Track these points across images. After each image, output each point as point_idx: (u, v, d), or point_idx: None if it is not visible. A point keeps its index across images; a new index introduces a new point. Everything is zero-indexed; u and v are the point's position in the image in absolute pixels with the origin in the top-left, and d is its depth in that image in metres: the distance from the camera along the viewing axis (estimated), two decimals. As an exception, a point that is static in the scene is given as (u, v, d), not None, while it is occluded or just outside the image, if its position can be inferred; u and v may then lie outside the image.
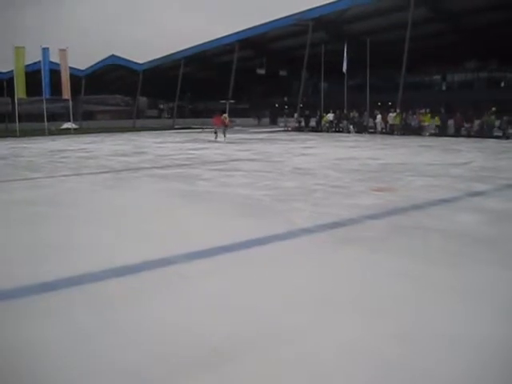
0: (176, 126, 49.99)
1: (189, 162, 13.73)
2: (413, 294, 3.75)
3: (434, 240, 5.30)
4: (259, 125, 52.20)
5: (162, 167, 12.65)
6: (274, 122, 53.83)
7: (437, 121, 32.15)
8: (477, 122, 31.26)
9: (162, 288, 3.92)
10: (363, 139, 27.05)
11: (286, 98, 57.35)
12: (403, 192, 8.44)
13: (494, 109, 28.99)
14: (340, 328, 3.18)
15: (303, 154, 16.48)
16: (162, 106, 76.88)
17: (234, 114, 51.43)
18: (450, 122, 32.29)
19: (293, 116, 45.33)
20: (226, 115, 28.21)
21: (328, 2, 38.83)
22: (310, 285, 3.94)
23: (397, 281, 4.02)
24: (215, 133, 26.73)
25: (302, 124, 41.44)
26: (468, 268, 4.34)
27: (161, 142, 24.12)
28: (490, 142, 23.83)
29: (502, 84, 42.51)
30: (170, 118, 62.23)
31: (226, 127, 26.70)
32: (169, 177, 10.78)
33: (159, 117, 71.32)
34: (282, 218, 6.36)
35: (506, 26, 36.30)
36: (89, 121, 58.59)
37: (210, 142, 24.45)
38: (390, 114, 33.79)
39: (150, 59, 58.78)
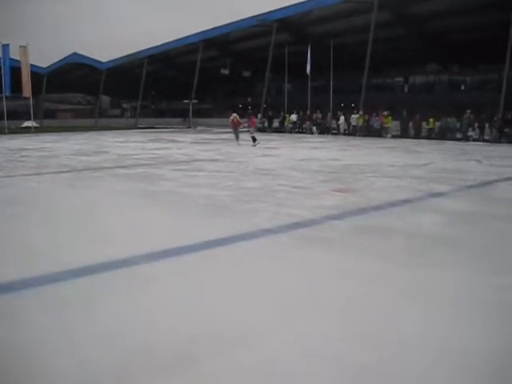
0: (139, 126, 49.53)
1: (152, 162, 13.63)
2: (373, 294, 3.78)
3: (395, 241, 5.36)
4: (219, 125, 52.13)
5: (124, 167, 12.52)
6: (237, 123, 53.81)
7: (389, 122, 32.67)
8: (437, 124, 31.78)
9: (121, 289, 3.87)
10: (326, 140, 27.24)
11: (249, 99, 57.36)
12: (365, 193, 8.51)
13: (468, 111, 29.36)
14: (301, 331, 3.18)
15: (266, 155, 16.50)
16: (124, 106, 76.19)
17: (198, 114, 51.32)
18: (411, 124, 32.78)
19: (257, 117, 45.38)
20: (235, 114, 24.38)
21: (292, 3, 38.98)
22: (271, 286, 3.94)
23: (357, 282, 4.05)
24: (237, 137, 23.17)
25: (266, 125, 41.46)
26: (428, 269, 4.39)
27: (123, 142, 23.88)
28: (450, 144, 24.23)
29: (462, 87, 43.23)
30: (132, 117, 61.66)
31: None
32: (131, 176, 10.67)
33: (122, 116, 70.63)
34: (244, 219, 6.36)
35: (466, 30, 36.96)
36: (50, 119, 57.71)
37: (235, 146, 21.31)
38: (353, 116, 34.12)
39: (113, 58, 58.23)
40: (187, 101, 49.65)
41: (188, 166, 12.85)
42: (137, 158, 14.83)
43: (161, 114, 64.67)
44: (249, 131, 23.95)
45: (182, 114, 52.74)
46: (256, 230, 5.66)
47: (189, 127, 46.50)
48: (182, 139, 26.24)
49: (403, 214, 6.79)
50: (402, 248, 5.11)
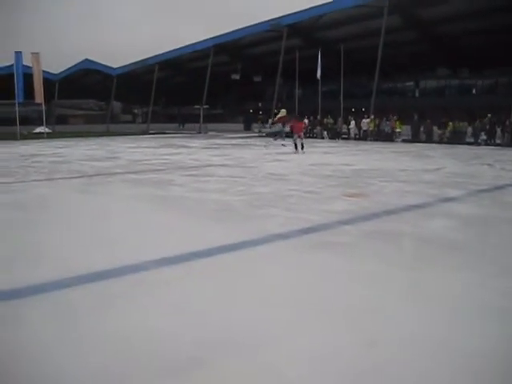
0: (150, 131, 49.69)
1: (163, 168, 13.68)
2: (386, 299, 3.78)
3: (407, 245, 5.37)
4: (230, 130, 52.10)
5: (135, 172, 12.58)
6: (248, 128, 53.84)
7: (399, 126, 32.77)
8: (449, 129, 31.68)
9: (133, 294, 3.90)
10: (337, 145, 27.21)
11: (260, 104, 57.44)
12: (376, 197, 8.52)
13: (489, 115, 29.19)
14: (314, 335, 3.20)
15: (277, 160, 16.53)
16: (136, 111, 76.46)
17: (208, 119, 51.45)
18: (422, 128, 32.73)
19: (267, 122, 45.41)
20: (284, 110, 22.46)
21: (302, 8, 39.03)
22: (284, 290, 3.96)
23: (370, 286, 4.05)
24: (295, 144, 20.12)
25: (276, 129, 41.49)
26: (440, 273, 4.40)
27: (135, 147, 23.97)
28: (462, 149, 24.14)
29: (473, 91, 43.11)
30: (144, 123, 61.85)
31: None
32: (143, 182, 10.72)
33: (133, 122, 70.87)
34: (256, 224, 6.39)
35: (476, 35, 36.87)
36: (62, 125, 58.01)
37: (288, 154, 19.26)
38: (364, 120, 34.08)
39: (124, 64, 58.54)
40: (198, 106, 49.72)
41: (199, 171, 12.89)
42: (148, 164, 14.90)
43: (172, 119, 64.77)
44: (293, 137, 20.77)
45: (194, 119, 52.77)
46: (268, 235, 5.68)
47: (199, 132, 46.56)
48: (193, 144, 26.29)
49: (415, 219, 6.79)
50: (414, 253, 5.12)
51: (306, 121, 27.86)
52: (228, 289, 4.02)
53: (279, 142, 21.39)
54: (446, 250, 5.17)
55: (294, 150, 19.67)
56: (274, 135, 21.10)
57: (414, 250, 5.19)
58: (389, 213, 7.16)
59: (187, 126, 54.56)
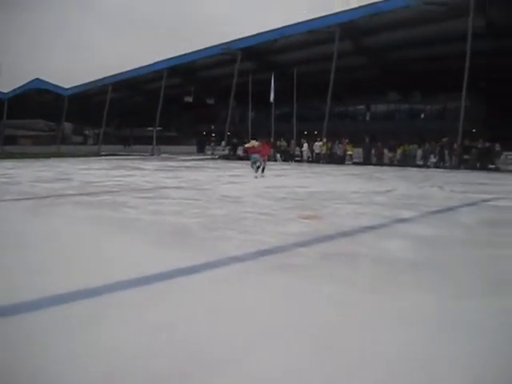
0: (102, 153, 49.16)
1: (116, 189, 13.49)
2: (344, 320, 3.78)
3: (365, 267, 5.40)
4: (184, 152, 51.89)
5: (88, 194, 12.38)
6: (201, 150, 53.86)
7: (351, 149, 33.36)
8: (399, 152, 32.38)
9: (84, 321, 3.78)
10: (290, 167, 27.42)
11: (213, 126, 57.61)
12: (331, 219, 8.59)
13: (445, 139, 29.93)
14: (274, 359, 3.16)
15: (231, 182, 16.54)
16: (87, 133, 75.71)
17: (162, 141, 51.25)
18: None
19: (220, 144, 45.54)
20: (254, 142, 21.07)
21: (257, 32, 39.48)
22: (243, 313, 3.91)
23: (327, 307, 4.05)
24: (257, 167, 19.64)
25: (229, 152, 41.64)
26: (400, 294, 4.43)
27: (86, 169, 23.64)
28: (412, 171, 24.63)
29: (422, 115, 44.17)
30: (95, 144, 61.20)
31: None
32: (96, 204, 10.54)
33: (84, 143, 70.11)
34: (212, 246, 6.33)
35: (426, 61, 37.95)
36: (11, 146, 56.91)
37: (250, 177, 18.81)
38: (317, 143, 34.54)
39: (76, 84, 57.99)
40: (151, 128, 49.54)
41: (153, 193, 12.76)
42: (101, 185, 14.68)
43: (124, 140, 64.28)
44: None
45: (146, 141, 52.50)
46: (225, 258, 5.63)
47: (153, 154, 46.29)
48: (146, 167, 26.11)
49: (370, 240, 6.85)
50: (370, 273, 5.14)
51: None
52: (185, 312, 3.94)
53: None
54: (404, 271, 5.21)
55: (255, 173, 19.27)
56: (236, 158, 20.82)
57: (373, 271, 5.22)
58: (344, 234, 7.21)
59: (140, 147, 54.10)
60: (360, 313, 3.95)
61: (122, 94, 58.15)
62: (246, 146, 20.88)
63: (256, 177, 18.65)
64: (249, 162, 20.51)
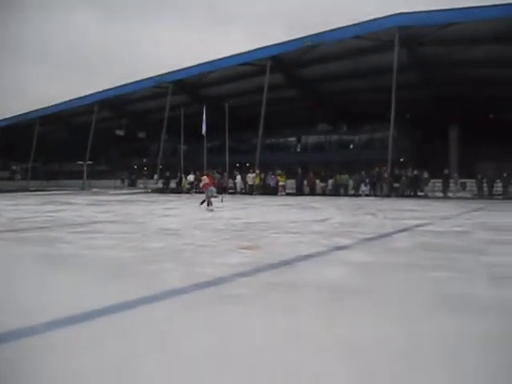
0: (30, 188, 47.85)
1: (47, 225, 13.10)
2: (289, 350, 3.76)
3: (305, 295, 5.41)
4: (116, 187, 51.06)
5: (18, 230, 11.97)
6: (133, 184, 53.20)
7: (283, 180, 33.80)
8: (330, 181, 32.97)
9: (20, 360, 3.61)
10: (224, 199, 27.38)
11: (145, 160, 57.14)
12: (270, 249, 8.60)
13: (376, 169, 30.57)
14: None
15: (166, 215, 16.39)
16: (14, 168, 73.58)
17: (92, 175, 50.39)
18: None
19: (152, 177, 45.17)
20: (205, 177, 20.60)
21: (188, 65, 39.68)
22: (191, 347, 3.83)
23: (272, 337, 4.01)
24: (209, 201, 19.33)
25: (161, 185, 41.35)
26: (341, 320, 4.46)
27: (15, 205, 22.92)
28: (345, 200, 25.07)
29: (351, 146, 45.19)
30: (23, 179, 59.52)
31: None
32: (27, 240, 10.19)
33: (12, 179, 68.05)
34: (152, 279, 6.20)
35: (354, 92, 39.02)
36: None
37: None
38: (250, 175, 34.76)
39: (1, 117, 56.55)
40: (81, 162, 48.67)
41: (86, 228, 12.47)
42: (31, 221, 14.22)
43: (53, 175, 62.78)
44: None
45: (76, 175, 51.47)
46: (166, 291, 5.53)
47: (83, 189, 45.40)
48: (77, 201, 25.56)
49: (311, 268, 6.89)
50: (313, 301, 5.16)
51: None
52: (128, 349, 3.83)
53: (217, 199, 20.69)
54: (349, 297, 5.26)
55: (207, 206, 18.90)
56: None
57: (317, 299, 5.24)
58: (285, 263, 7.22)
59: (70, 182, 52.84)
60: (314, 342, 3.94)
61: (50, 128, 57.04)
62: (204, 183, 20.04)
63: (212, 209, 18.49)
64: (182, 196, 20.50)
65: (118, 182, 53.34)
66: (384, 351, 3.73)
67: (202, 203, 19.53)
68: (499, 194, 27.97)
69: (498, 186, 28.69)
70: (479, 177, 29.61)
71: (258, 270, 6.72)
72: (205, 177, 20.50)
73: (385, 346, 3.85)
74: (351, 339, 3.98)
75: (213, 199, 19.52)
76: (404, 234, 11.02)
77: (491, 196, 27.71)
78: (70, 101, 50.05)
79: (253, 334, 4.14)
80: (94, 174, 53.07)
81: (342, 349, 3.78)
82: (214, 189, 19.73)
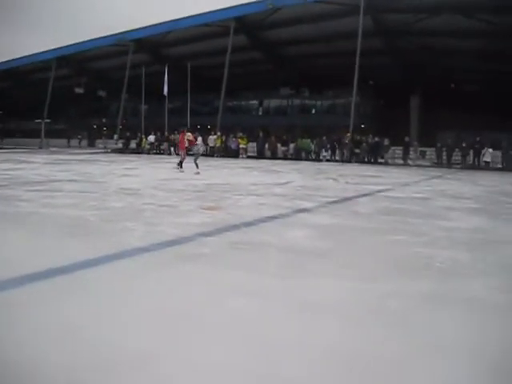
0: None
1: (5, 183, 12.78)
2: (254, 308, 3.77)
3: (269, 254, 5.42)
4: (73, 146, 50.03)
5: (-27, 188, 11.68)
6: (92, 144, 52.33)
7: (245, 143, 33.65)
8: (292, 146, 32.98)
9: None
10: (185, 160, 27.18)
11: (104, 120, 56.15)
12: (233, 210, 8.58)
13: (349, 134, 30.39)
14: (188, 349, 3.10)
15: (126, 175, 16.18)
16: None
17: (50, 135, 49.34)
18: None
19: (112, 137, 44.47)
20: (189, 134, 19.64)
21: (149, 24, 38.91)
22: (153, 306, 3.79)
23: (237, 296, 4.01)
24: (180, 163, 18.91)
25: (121, 146, 40.78)
26: (304, 280, 4.48)
27: (-30, 163, 22.34)
28: (305, 164, 25.17)
29: (313, 111, 45.14)
30: (-22, 138, 57.97)
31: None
32: (-17, 198, 9.96)
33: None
34: (114, 238, 6.13)
35: (317, 57, 38.85)
36: None
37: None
38: (211, 137, 34.49)
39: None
40: (39, 120, 47.54)
41: (45, 186, 12.21)
42: (-13, 179, 13.89)
43: (9, 134, 61.20)
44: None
45: (34, 134, 50.30)
46: (128, 249, 5.47)
47: (41, 148, 44.46)
48: (36, 160, 25.03)
49: (274, 229, 6.91)
50: (277, 261, 5.17)
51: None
52: (93, 305, 3.78)
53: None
54: (311, 258, 5.29)
55: (197, 169, 17.54)
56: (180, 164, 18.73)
57: (281, 259, 5.25)
58: (248, 224, 7.23)
59: (28, 140, 51.50)
60: (269, 300, 3.95)
61: (6, 85, 55.55)
62: (188, 139, 19.07)
63: (199, 172, 17.13)
64: (142, 156, 20.18)
65: (76, 142, 52.30)
66: (338, 308, 3.77)
67: (180, 165, 18.62)
68: (458, 163, 28.39)
69: (457, 155, 29.10)
70: (439, 145, 29.98)
71: (221, 230, 6.71)
72: (189, 133, 19.46)
73: (338, 304, 3.89)
74: (307, 296, 4.01)
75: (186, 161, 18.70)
76: (365, 198, 11.12)
77: (450, 165, 28.11)
78: (27, 56, 48.67)
79: (213, 292, 4.13)
80: (53, 133, 51.94)
81: (296, 304, 3.81)
82: (201, 147, 19.03)
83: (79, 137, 53.47)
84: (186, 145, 19.39)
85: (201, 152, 19.12)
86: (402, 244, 6.17)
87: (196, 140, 19.26)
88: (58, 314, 3.57)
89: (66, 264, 4.77)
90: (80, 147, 48.69)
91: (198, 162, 17.85)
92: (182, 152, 19.37)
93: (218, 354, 2.97)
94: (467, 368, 2.87)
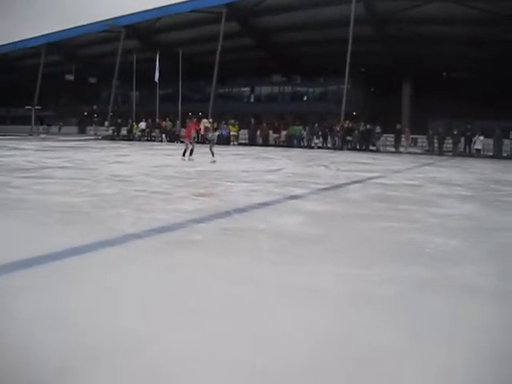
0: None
1: (-5, 170, 12.73)
2: (248, 293, 3.76)
3: (262, 241, 5.43)
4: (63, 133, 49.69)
5: (-36, 175, 11.60)
6: (83, 131, 52.04)
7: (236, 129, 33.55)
8: (283, 133, 32.96)
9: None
10: (176, 148, 27.08)
11: (95, 107, 55.83)
12: (225, 197, 8.59)
13: (347, 121, 30.48)
14: (181, 333, 3.09)
15: (118, 162, 16.12)
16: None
17: (41, 121, 49.05)
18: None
19: (103, 124, 44.24)
20: (206, 120, 18.99)
21: (140, 10, 38.62)
22: (148, 291, 3.78)
23: (231, 281, 4.00)
24: (185, 150, 17.56)
25: (113, 132, 40.54)
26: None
27: (-41, 149, 22.17)
28: (297, 151, 25.15)
29: (305, 98, 45.07)
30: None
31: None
32: (-26, 185, 9.88)
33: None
34: (106, 225, 6.10)
35: (309, 44, 38.73)
36: None
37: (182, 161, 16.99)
38: (204, 121, 34.32)
39: None
40: (29, 107, 47.17)
41: (36, 173, 12.15)
42: (-23, 166, 13.80)
43: (0, 121, 60.70)
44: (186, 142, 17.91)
45: (24, 121, 49.93)
46: (120, 236, 5.45)
47: (31, 134, 44.18)
48: (26, 147, 24.88)
49: (266, 216, 6.91)
50: (270, 247, 5.17)
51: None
52: (82, 292, 3.76)
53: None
54: (302, 244, 5.29)
55: (212, 157, 16.63)
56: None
57: (272, 245, 5.25)
58: (240, 211, 7.21)
59: (18, 127, 51.11)
60: (262, 286, 3.94)
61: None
62: (206, 125, 18.07)
63: (215, 161, 16.33)
64: (133, 143, 20.02)
65: (68, 128, 52.03)
66: (331, 294, 3.77)
67: (189, 154, 17.30)
68: (449, 151, 28.45)
69: (448, 143, 29.15)
70: (430, 133, 30.02)
71: (214, 217, 6.70)
72: (205, 120, 18.45)
73: (330, 289, 3.89)
74: (299, 282, 4.01)
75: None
76: (357, 185, 11.13)
77: (441, 152, 28.18)
78: (17, 42, 48.26)
79: (205, 278, 4.12)
80: (43, 119, 51.64)
81: (287, 290, 3.80)
82: (215, 134, 17.98)
83: (60, 123, 53.11)
84: (202, 132, 18.85)
85: (215, 140, 18.15)
86: (395, 230, 6.18)
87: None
88: (48, 300, 3.55)
89: (55, 251, 4.73)
90: (71, 134, 48.35)
91: (213, 149, 16.99)
92: (187, 140, 17.69)
93: (208, 340, 2.96)
94: (460, 355, 2.87)
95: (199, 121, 19.00)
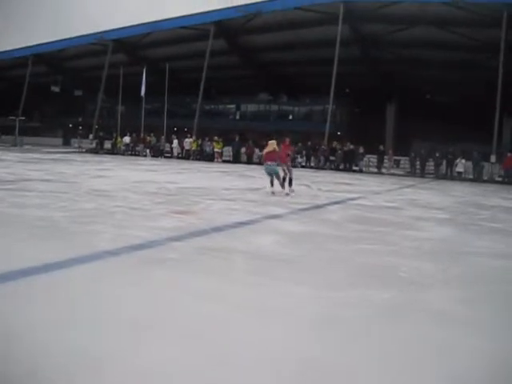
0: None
1: (-26, 181, 12.66)
2: (221, 314, 3.79)
3: (237, 261, 5.45)
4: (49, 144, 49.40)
5: None
6: (67, 143, 51.76)
7: (220, 146, 33.44)
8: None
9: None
10: (160, 163, 27.13)
11: (80, 119, 55.61)
12: (204, 215, 8.60)
13: (336, 143, 30.61)
14: (151, 353, 3.11)
15: (100, 176, 16.09)
16: None
17: (25, 132, 48.72)
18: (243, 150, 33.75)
19: (88, 137, 44.04)
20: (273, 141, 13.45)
21: (129, 24, 38.72)
22: (119, 309, 3.80)
23: (204, 301, 4.04)
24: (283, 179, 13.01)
25: (96, 145, 40.36)
26: (271, 287, 4.51)
27: None
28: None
29: (290, 117, 45.25)
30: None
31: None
32: (-48, 196, 9.83)
33: None
34: (83, 240, 6.10)
35: (295, 64, 39.04)
36: None
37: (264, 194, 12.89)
38: (187, 140, 34.41)
39: None
40: (13, 117, 46.86)
41: (16, 185, 12.11)
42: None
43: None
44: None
45: (8, 131, 49.55)
46: (96, 252, 5.46)
47: (15, 145, 43.87)
48: (8, 157, 24.74)
49: (243, 235, 6.95)
50: (245, 268, 5.21)
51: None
52: (56, 309, 3.77)
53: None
54: (276, 265, 5.33)
55: (282, 189, 12.81)
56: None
57: (246, 265, 5.28)
58: (218, 230, 7.25)
59: (2, 138, 50.73)
60: (236, 306, 3.98)
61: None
62: (265, 151, 13.59)
63: (287, 194, 12.61)
64: (116, 157, 19.97)
65: (52, 140, 51.66)
66: (298, 315, 3.81)
67: (288, 184, 12.98)
68: (431, 173, 28.68)
69: (431, 165, 29.38)
70: (413, 155, 30.25)
71: (191, 235, 6.73)
72: (273, 141, 13.57)
73: (299, 310, 3.93)
74: (269, 303, 4.05)
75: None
76: (337, 206, 11.21)
77: (423, 174, 28.39)
78: (2, 52, 48.07)
79: (176, 297, 4.14)
80: (27, 131, 51.31)
81: (256, 311, 3.84)
82: (274, 166, 13.02)
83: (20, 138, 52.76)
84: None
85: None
86: (371, 253, 6.24)
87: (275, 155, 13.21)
88: (15, 316, 3.56)
89: (28, 266, 4.71)
90: (55, 146, 48.04)
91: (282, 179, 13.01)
92: (285, 167, 13.20)
93: (176, 358, 2.98)
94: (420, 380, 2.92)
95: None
